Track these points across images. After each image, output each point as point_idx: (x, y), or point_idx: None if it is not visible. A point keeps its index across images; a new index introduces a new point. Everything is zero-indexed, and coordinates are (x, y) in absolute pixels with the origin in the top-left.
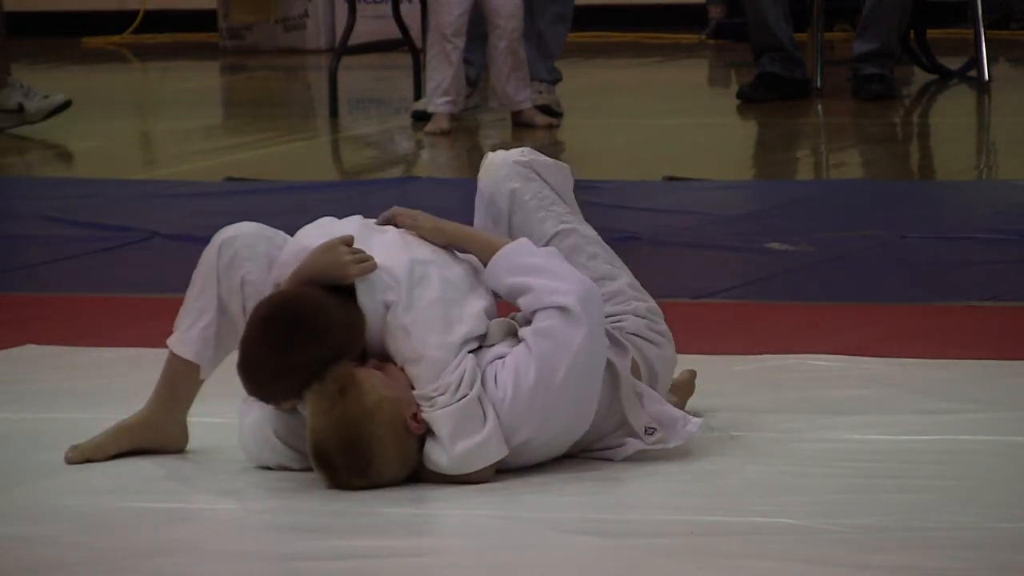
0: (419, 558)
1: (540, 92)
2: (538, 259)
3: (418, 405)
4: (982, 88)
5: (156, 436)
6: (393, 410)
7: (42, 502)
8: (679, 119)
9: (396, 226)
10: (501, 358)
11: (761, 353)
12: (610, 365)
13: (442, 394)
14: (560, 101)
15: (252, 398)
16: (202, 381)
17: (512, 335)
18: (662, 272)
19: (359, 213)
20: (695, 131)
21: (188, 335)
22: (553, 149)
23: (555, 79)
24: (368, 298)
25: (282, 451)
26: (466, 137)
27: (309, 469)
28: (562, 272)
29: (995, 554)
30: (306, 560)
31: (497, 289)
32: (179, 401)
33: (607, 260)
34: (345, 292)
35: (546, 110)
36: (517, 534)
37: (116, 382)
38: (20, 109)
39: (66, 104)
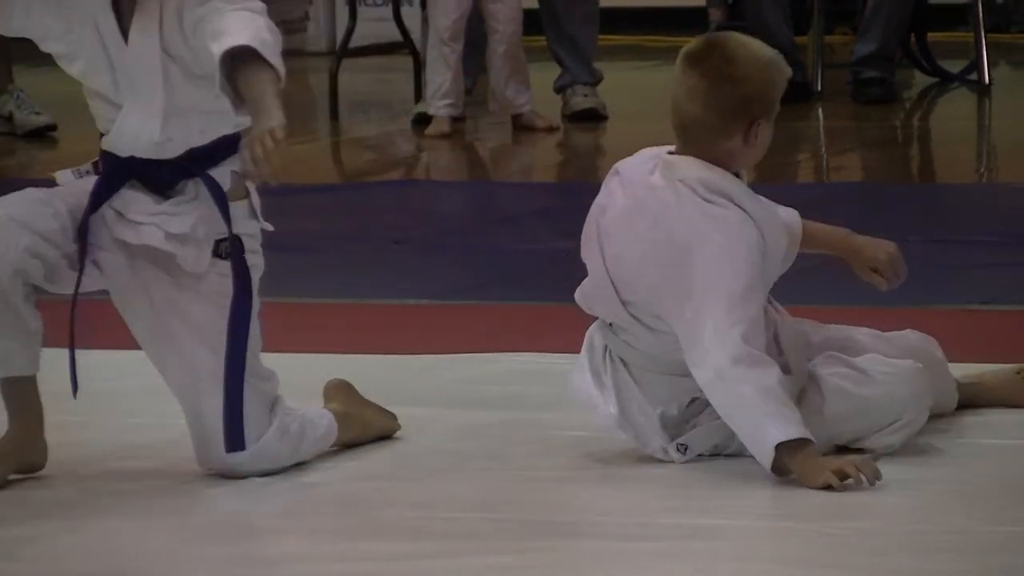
0: (419, 560)
1: (585, 95)
2: None
3: None
4: (982, 91)
5: (24, 457)
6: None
7: (41, 502)
8: None
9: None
10: None
11: None
12: None
13: None
14: (605, 103)
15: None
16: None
17: None
18: None
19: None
20: None
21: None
22: (554, 152)
23: (597, 79)
24: None
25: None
26: (466, 140)
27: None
28: None
29: (996, 557)
30: (306, 561)
31: None
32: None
33: None
34: None
35: (591, 113)
36: (517, 535)
37: (115, 385)
38: (10, 118)
39: (50, 127)
